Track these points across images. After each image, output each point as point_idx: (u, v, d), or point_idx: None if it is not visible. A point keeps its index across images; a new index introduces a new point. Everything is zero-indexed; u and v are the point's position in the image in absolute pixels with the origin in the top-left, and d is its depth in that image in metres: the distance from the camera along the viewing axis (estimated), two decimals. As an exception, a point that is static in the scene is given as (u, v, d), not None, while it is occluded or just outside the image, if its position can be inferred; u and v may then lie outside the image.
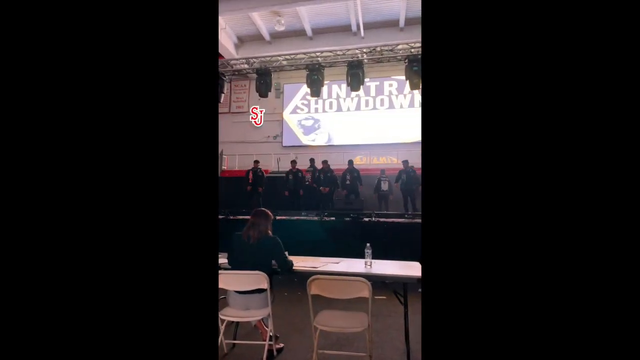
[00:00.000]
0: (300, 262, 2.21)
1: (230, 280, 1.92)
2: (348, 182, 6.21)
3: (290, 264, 2.05)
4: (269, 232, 2.10)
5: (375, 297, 1.71)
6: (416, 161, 6.08)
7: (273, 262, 2.05)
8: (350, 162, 6.50)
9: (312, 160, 6.94)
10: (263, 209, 2.19)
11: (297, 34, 8.68)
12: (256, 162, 6.76)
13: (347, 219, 4.41)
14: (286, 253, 2.06)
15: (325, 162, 6.46)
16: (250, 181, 6.51)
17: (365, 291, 1.69)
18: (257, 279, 1.90)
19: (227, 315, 1.94)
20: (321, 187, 6.28)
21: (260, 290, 1.94)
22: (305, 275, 1.88)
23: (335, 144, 9.39)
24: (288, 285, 3.23)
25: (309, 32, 8.52)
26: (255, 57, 7.60)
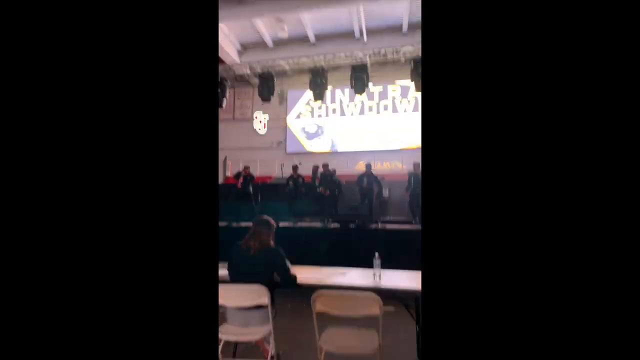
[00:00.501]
0: (304, 273, 2.07)
1: (228, 295, 1.78)
2: (365, 185, 5.99)
3: (294, 278, 1.91)
4: (271, 242, 1.96)
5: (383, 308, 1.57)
6: (422, 166, 5.90)
7: (275, 274, 1.90)
8: (369, 166, 6.15)
9: (315, 168, 6.39)
10: (265, 216, 2.05)
11: (300, 40, 8.64)
12: (246, 167, 6.67)
13: (352, 225, 4.27)
14: (289, 265, 1.91)
15: (325, 166, 6.22)
16: (240, 186, 6.34)
17: (375, 308, 1.54)
18: (257, 293, 1.76)
19: (225, 333, 1.80)
20: (320, 188, 5.93)
21: (260, 306, 1.80)
22: (310, 288, 1.74)
23: (339, 150, 9.28)
24: (292, 296, 3.07)
25: (312, 39, 8.47)
26: (258, 61, 7.53)
